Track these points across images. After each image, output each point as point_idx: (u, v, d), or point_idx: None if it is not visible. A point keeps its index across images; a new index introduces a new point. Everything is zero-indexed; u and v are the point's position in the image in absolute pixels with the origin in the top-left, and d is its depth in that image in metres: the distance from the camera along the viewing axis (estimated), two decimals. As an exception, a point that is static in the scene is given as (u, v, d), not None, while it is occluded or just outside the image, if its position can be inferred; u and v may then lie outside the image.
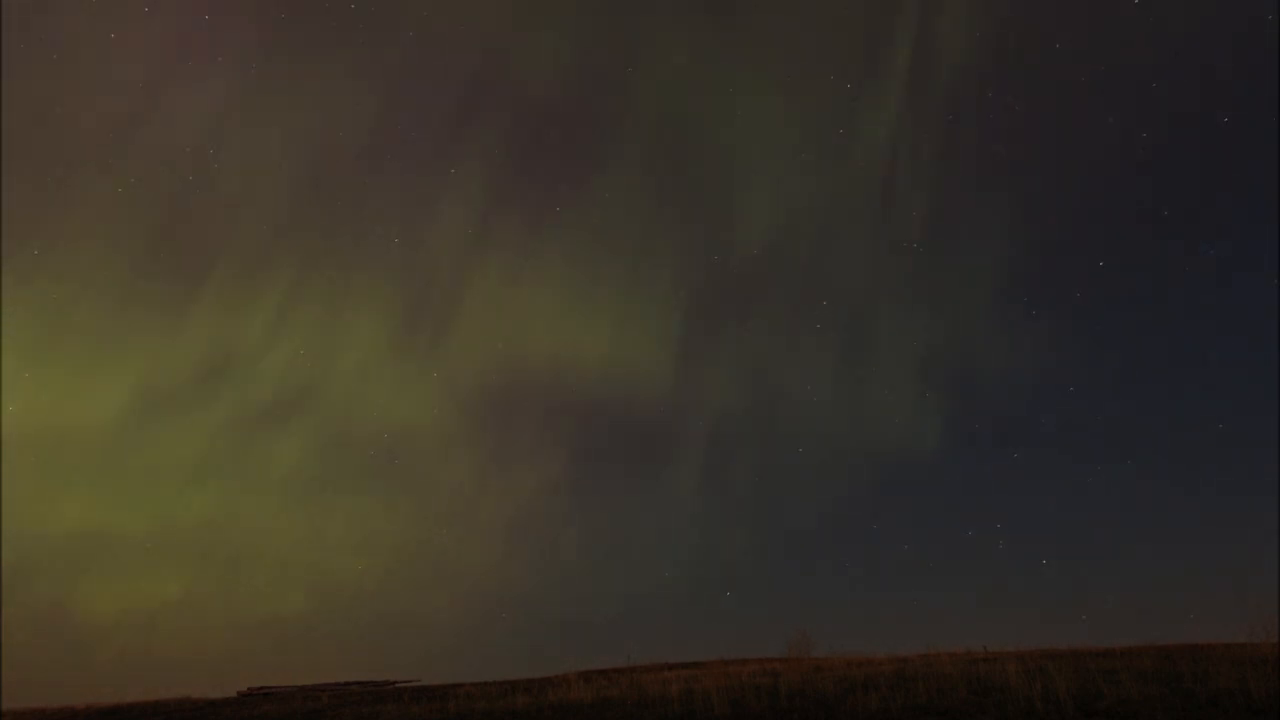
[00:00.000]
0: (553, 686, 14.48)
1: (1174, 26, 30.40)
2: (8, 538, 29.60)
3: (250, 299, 35.41)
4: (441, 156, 36.82)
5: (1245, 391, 28.92)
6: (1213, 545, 28.12)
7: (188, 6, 33.51)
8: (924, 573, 29.54)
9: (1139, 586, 27.84)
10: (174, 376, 34.28)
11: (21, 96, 32.32)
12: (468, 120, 36.80)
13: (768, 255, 36.12)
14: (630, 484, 36.06)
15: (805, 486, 32.92)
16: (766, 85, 35.42)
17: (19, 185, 32.59)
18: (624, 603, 31.79)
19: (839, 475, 33.08)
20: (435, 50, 35.54)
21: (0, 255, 31.25)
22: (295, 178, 36.27)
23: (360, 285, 35.82)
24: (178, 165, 33.85)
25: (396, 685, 19.01)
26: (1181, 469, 29.90)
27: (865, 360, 34.39)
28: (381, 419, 35.00)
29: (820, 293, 35.43)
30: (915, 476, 32.28)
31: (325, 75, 34.90)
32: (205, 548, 33.72)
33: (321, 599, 33.32)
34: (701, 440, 36.07)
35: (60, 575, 32.28)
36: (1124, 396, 30.17)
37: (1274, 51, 27.24)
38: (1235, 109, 29.08)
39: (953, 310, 34.04)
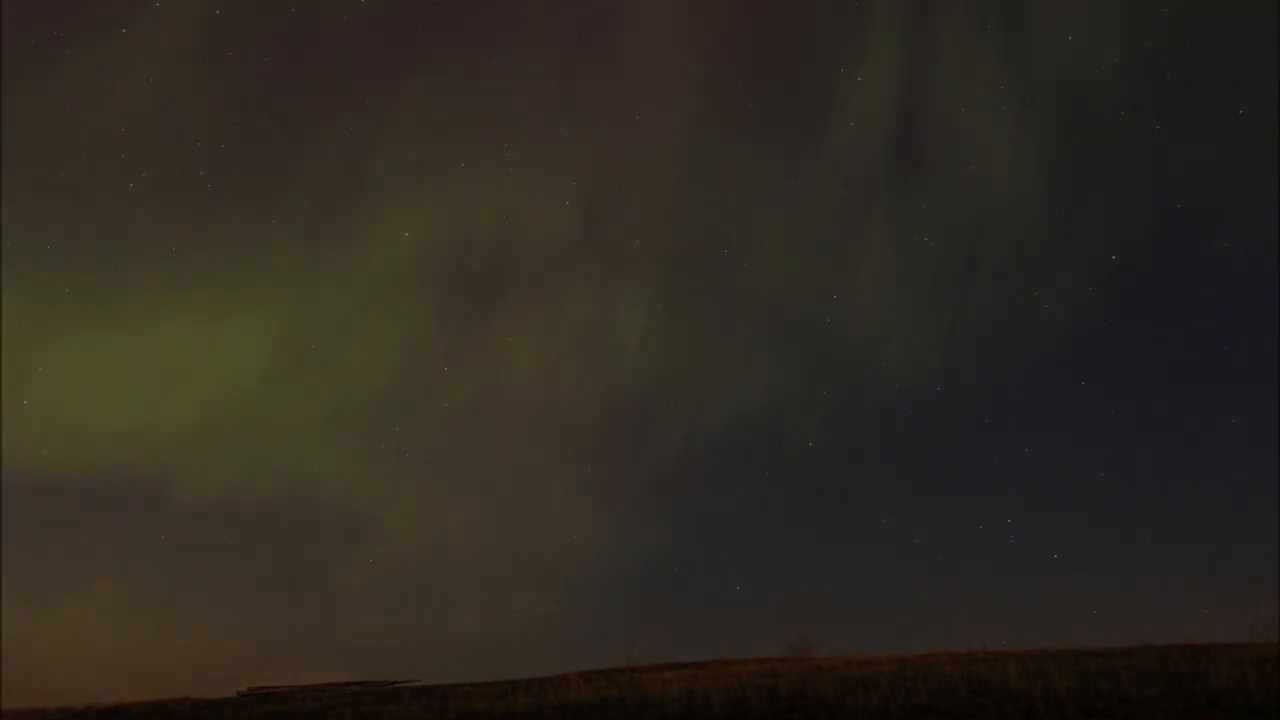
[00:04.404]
0: (553, 686, 14.49)
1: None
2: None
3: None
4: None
5: (1248, 389, 28.88)
6: (1213, 544, 28.10)
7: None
8: (926, 570, 29.53)
9: (1139, 586, 27.84)
10: None
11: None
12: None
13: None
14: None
15: (807, 481, 32.93)
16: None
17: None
18: (623, 602, 31.81)
19: (842, 470, 33.05)
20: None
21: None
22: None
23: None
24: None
25: (396, 685, 19.02)
26: (1183, 463, 29.92)
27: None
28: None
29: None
30: (919, 472, 32.25)
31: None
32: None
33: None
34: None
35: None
36: (1128, 393, 30.14)
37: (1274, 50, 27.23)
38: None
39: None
